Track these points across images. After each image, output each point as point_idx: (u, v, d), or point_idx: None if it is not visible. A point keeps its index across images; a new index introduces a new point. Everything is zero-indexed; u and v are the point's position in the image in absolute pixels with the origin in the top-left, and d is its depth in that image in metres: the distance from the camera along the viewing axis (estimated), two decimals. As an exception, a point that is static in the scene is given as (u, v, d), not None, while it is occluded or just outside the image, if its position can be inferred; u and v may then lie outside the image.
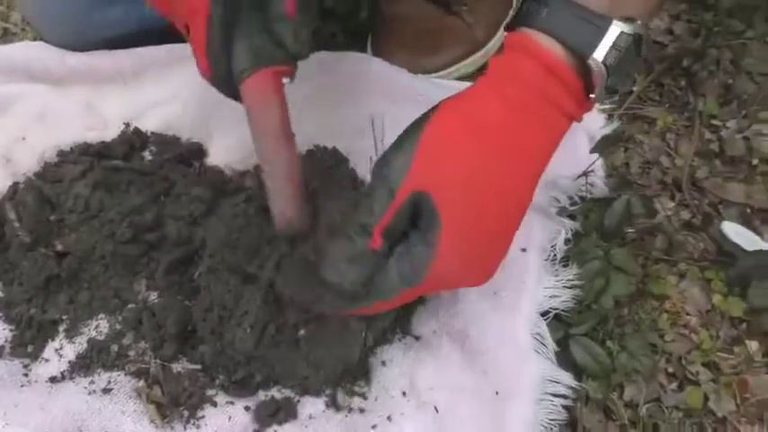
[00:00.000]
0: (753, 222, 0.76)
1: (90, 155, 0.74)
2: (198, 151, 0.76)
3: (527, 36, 0.51)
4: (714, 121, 0.84)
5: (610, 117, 0.81)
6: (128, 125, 0.78)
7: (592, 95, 0.52)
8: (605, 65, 0.50)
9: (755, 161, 0.80)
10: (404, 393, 0.60)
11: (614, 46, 0.49)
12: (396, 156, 0.52)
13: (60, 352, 0.63)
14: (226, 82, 0.58)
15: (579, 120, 0.53)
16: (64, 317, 0.65)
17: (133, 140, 0.76)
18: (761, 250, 0.71)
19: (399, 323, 0.65)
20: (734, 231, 0.73)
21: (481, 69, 0.87)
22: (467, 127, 0.51)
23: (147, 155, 0.76)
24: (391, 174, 0.51)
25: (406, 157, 0.51)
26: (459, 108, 0.52)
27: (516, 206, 0.53)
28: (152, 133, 0.77)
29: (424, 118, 0.52)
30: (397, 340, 0.64)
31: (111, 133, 0.77)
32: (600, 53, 0.49)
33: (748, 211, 0.77)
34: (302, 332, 0.59)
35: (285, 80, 0.58)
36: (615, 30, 0.49)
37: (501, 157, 0.51)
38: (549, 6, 0.50)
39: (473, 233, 0.51)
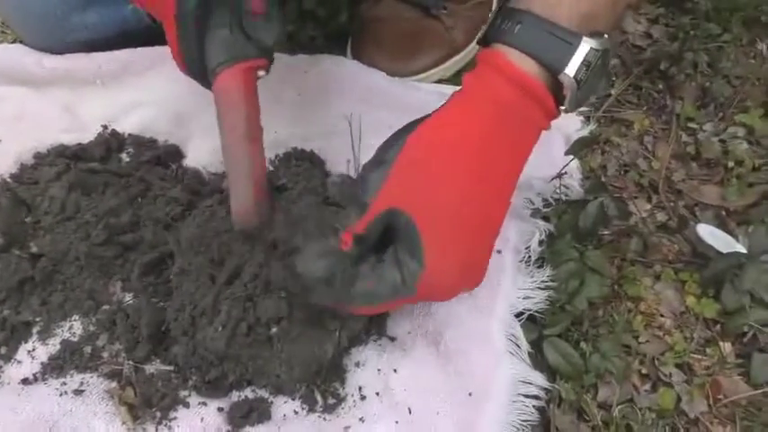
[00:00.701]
0: (728, 224, 0.76)
1: (66, 157, 0.74)
2: (175, 153, 0.76)
3: (501, 54, 0.52)
4: (691, 124, 0.85)
5: (587, 120, 0.81)
6: (105, 127, 0.78)
7: (562, 107, 0.54)
8: (576, 80, 0.51)
9: (731, 164, 0.81)
10: (377, 394, 0.60)
11: (584, 62, 0.51)
12: (372, 171, 0.54)
13: (33, 354, 0.62)
14: (201, 77, 0.59)
15: (547, 128, 0.55)
16: (37, 318, 0.64)
17: (110, 142, 0.76)
18: (735, 252, 0.71)
19: (374, 324, 0.65)
20: (709, 233, 0.74)
21: (460, 73, 0.88)
22: (443, 147, 0.52)
23: (124, 157, 0.76)
24: (366, 188, 0.54)
25: (381, 173, 0.53)
26: (437, 128, 0.53)
27: (496, 217, 0.55)
28: (129, 135, 0.77)
29: (402, 135, 0.54)
30: (372, 341, 0.64)
31: (88, 135, 0.77)
32: (571, 69, 0.51)
33: (723, 213, 0.77)
34: (274, 330, 0.59)
35: (261, 73, 0.59)
36: (585, 46, 0.51)
37: (478, 176, 0.52)
38: (522, 23, 0.51)
39: (457, 249, 0.53)
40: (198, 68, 0.58)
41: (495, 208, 0.54)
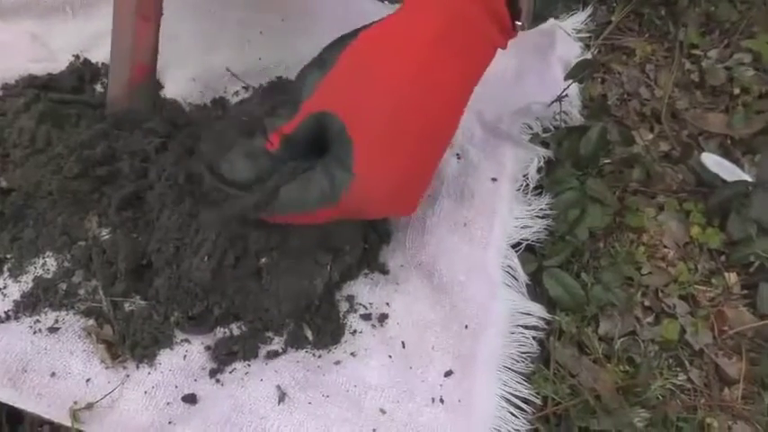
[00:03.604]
0: (733, 154, 0.73)
1: (36, 87, 0.69)
2: (152, 83, 0.72)
3: None
4: (695, 51, 0.81)
5: (586, 48, 0.77)
6: (77, 57, 0.73)
7: (518, 23, 0.51)
8: None
9: (737, 91, 0.77)
10: (370, 328, 0.58)
11: None
12: (310, 72, 0.51)
13: (4, 291, 0.59)
14: None
15: (504, 47, 0.52)
16: (8, 255, 0.61)
17: (82, 72, 0.71)
18: (741, 180, 0.68)
19: (366, 258, 0.62)
20: (713, 162, 0.71)
21: None
22: (387, 53, 0.49)
23: (98, 88, 0.71)
24: (301, 88, 0.51)
25: (318, 74, 0.50)
26: (383, 34, 0.50)
27: (438, 133, 0.52)
28: (103, 65, 0.73)
29: (348, 38, 0.51)
30: (364, 275, 0.61)
31: (59, 65, 0.72)
32: None
33: (728, 141, 0.74)
34: (264, 260, 0.56)
35: None
36: None
37: (421, 84, 0.49)
38: None
39: (391, 158, 0.49)
40: None
41: (441, 121, 0.51)
